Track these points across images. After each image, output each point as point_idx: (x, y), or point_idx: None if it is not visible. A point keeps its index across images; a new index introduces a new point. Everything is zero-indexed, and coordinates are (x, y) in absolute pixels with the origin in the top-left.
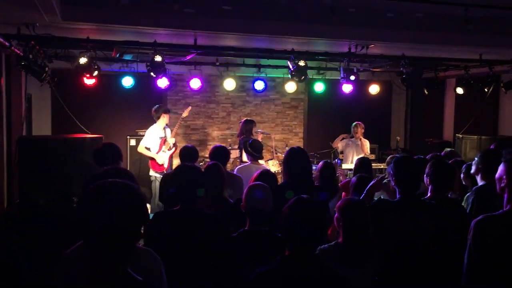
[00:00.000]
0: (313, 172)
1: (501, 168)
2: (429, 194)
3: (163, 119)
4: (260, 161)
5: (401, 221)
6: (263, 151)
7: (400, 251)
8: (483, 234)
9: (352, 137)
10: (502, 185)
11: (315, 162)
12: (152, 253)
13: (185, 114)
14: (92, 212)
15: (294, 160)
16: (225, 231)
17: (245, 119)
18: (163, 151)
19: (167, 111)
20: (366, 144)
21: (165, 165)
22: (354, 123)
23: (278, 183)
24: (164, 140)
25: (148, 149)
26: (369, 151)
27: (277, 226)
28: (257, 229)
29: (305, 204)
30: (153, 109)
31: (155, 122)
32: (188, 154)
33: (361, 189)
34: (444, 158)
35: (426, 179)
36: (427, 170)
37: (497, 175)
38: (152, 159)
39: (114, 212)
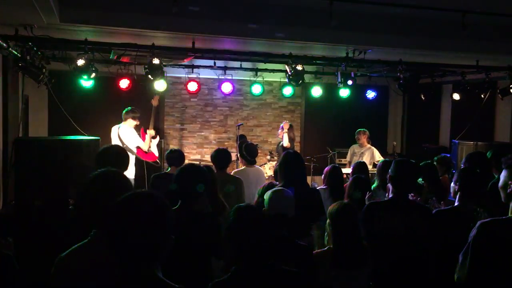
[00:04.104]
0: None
1: (504, 174)
2: (456, 203)
3: (131, 122)
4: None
5: (393, 220)
6: (260, 154)
7: (393, 251)
8: (487, 236)
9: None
10: (509, 191)
11: (311, 167)
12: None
13: (155, 103)
14: (126, 223)
15: (289, 164)
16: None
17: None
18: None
19: (135, 118)
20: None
21: (156, 154)
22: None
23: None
24: (143, 130)
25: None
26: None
27: (295, 232)
28: (277, 233)
29: (246, 213)
30: (125, 110)
31: (122, 122)
32: (177, 157)
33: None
34: (437, 164)
35: (454, 186)
36: (455, 177)
37: (500, 183)
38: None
39: (147, 223)
